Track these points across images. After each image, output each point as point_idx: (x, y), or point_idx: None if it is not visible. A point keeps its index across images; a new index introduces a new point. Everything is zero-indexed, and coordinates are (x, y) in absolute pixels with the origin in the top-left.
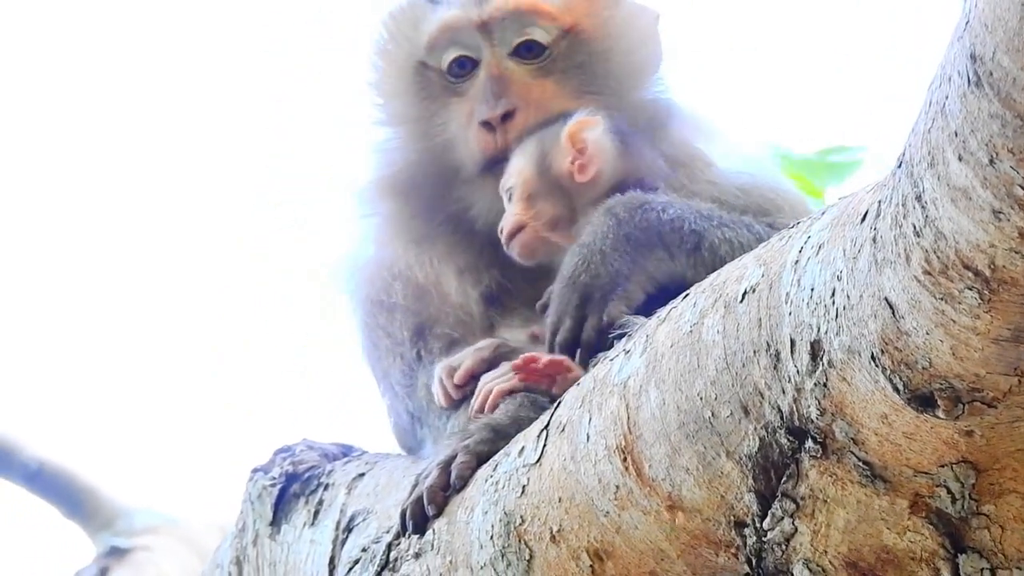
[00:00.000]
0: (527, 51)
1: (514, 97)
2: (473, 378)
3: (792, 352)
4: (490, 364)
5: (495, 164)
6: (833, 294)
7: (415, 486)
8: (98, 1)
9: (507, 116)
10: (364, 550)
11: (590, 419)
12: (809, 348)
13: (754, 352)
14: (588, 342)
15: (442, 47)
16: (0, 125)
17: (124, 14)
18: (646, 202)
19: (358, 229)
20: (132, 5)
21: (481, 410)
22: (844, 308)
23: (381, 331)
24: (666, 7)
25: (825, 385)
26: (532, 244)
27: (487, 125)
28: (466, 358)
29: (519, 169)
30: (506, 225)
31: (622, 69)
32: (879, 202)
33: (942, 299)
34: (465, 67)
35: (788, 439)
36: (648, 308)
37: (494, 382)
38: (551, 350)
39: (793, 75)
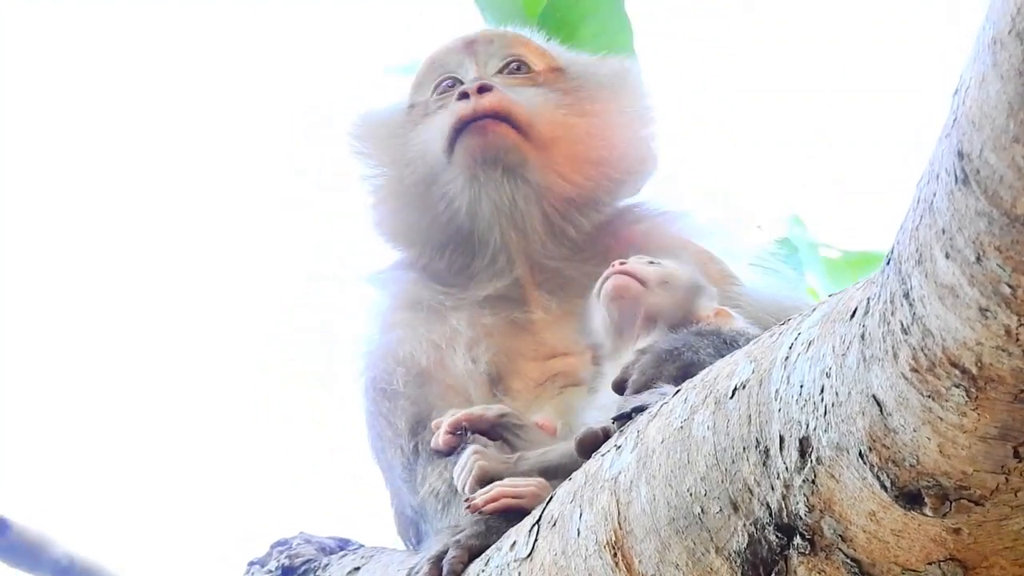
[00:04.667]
0: (515, 69)
1: (495, 87)
2: (461, 432)
3: (781, 449)
4: (490, 427)
5: (464, 127)
6: (822, 391)
7: None
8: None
9: (483, 89)
10: None
11: (581, 514)
12: (798, 445)
13: (744, 448)
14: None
15: (428, 79)
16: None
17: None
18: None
19: (366, 309)
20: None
21: (482, 504)
22: (832, 405)
23: (384, 420)
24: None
25: (814, 482)
26: (626, 284)
27: (463, 96)
28: (474, 410)
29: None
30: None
31: (609, 116)
32: (868, 299)
33: (929, 397)
34: (452, 86)
35: (777, 535)
36: None
37: (509, 489)
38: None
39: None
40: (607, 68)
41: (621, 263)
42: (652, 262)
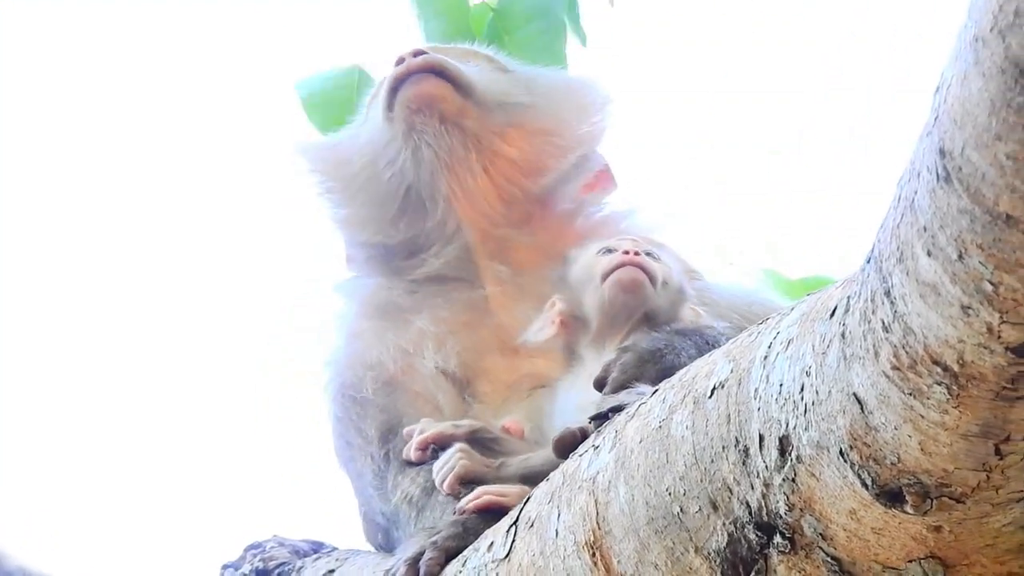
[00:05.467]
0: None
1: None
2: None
3: (761, 447)
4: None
5: (400, 85)
6: (802, 389)
7: None
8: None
9: (418, 54)
10: None
11: (559, 514)
12: (778, 443)
13: (723, 447)
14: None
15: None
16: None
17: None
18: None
19: (331, 316)
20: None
21: (472, 510)
22: (813, 403)
23: (354, 428)
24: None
25: (794, 480)
26: (641, 280)
27: (399, 61)
28: (444, 428)
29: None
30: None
31: (552, 97)
32: (848, 297)
33: (911, 394)
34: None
35: (757, 534)
36: None
37: (490, 494)
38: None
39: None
40: (556, 76)
41: (635, 252)
42: (650, 253)
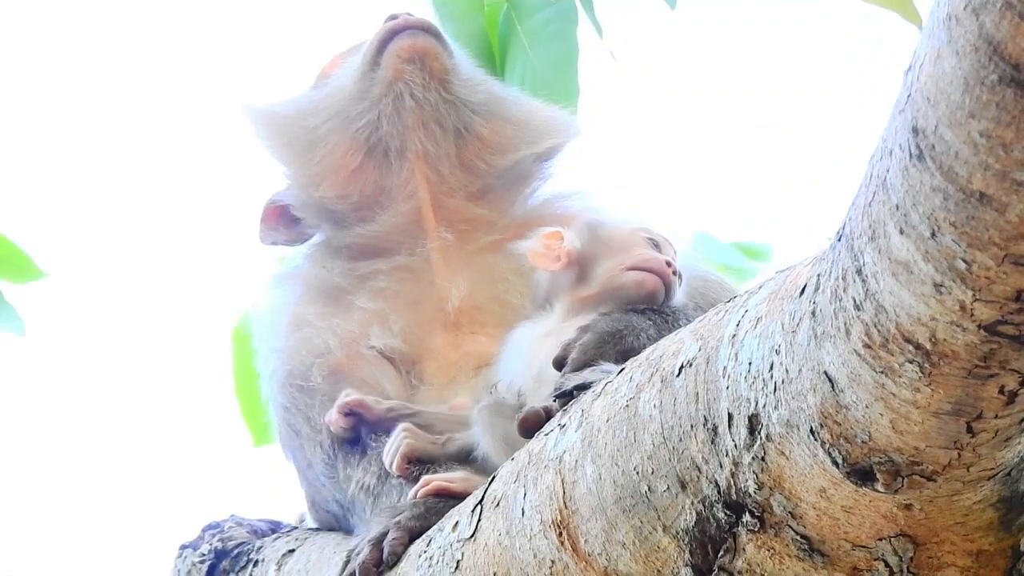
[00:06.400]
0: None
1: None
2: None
3: (730, 426)
4: (377, 419)
5: (392, 37)
6: (771, 368)
7: (347, 563)
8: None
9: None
10: None
11: (525, 494)
12: (747, 422)
13: (691, 426)
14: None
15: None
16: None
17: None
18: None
19: (274, 304)
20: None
21: (421, 496)
22: (782, 382)
23: (302, 416)
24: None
25: (763, 459)
26: (658, 293)
27: (391, 17)
28: (367, 400)
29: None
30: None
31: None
32: (818, 276)
33: (882, 373)
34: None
35: (725, 513)
36: None
37: (436, 480)
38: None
39: (710, 162)
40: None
41: (670, 266)
42: (672, 266)
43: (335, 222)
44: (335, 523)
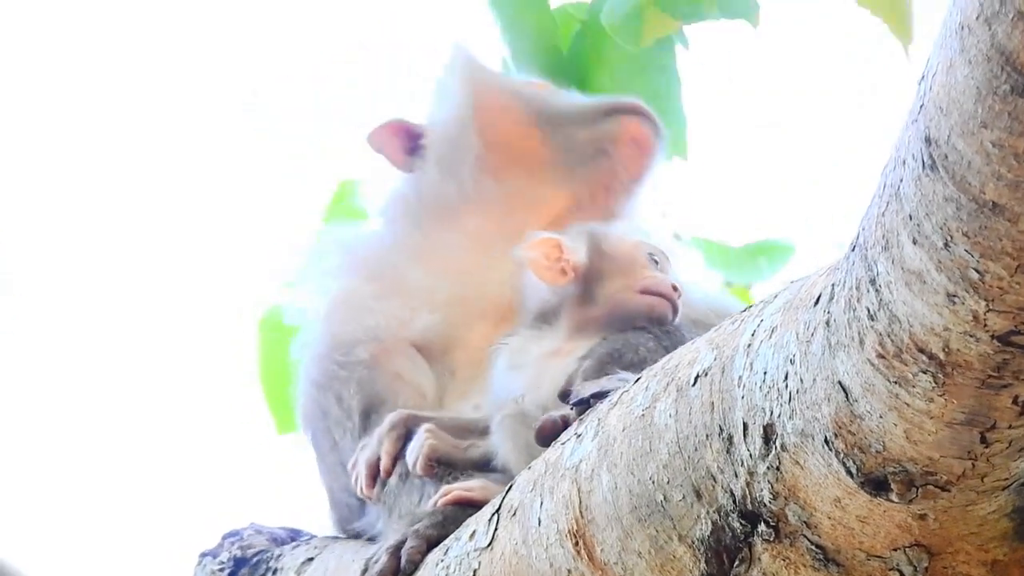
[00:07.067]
0: None
1: None
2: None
3: (745, 436)
4: (406, 438)
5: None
6: (786, 377)
7: (365, 571)
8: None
9: None
10: None
11: (542, 503)
12: (762, 432)
13: (707, 436)
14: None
15: None
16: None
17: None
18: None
19: (326, 268)
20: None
21: (441, 506)
22: (797, 392)
23: (333, 397)
24: None
25: (778, 469)
26: (667, 318)
27: None
28: (383, 441)
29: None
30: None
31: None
32: (832, 285)
33: (896, 383)
34: None
35: (741, 523)
36: None
37: (457, 490)
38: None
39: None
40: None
41: (676, 291)
42: (677, 289)
43: (446, 168)
44: (350, 516)
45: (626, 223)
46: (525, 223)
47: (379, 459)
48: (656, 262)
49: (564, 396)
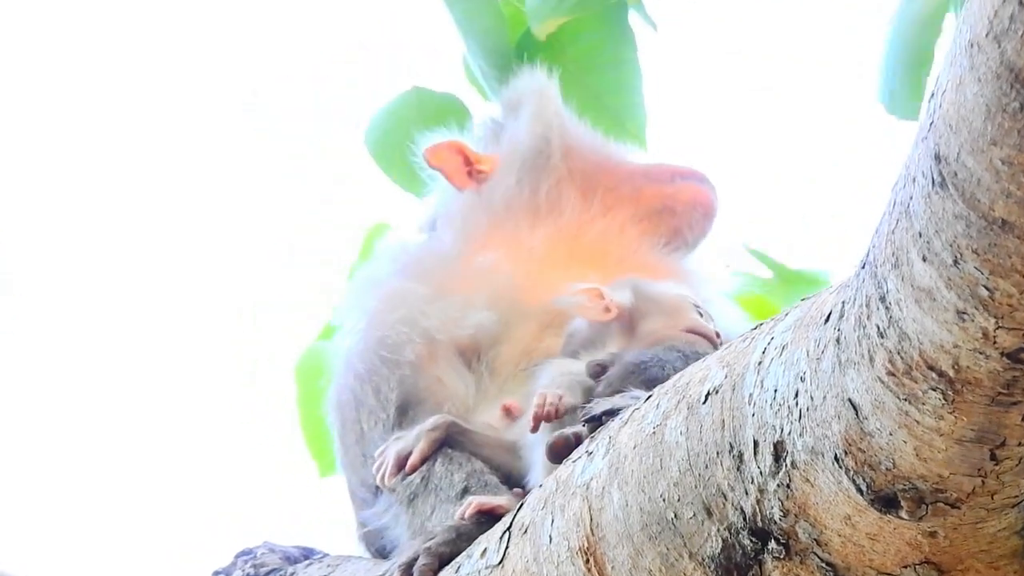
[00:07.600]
0: None
1: None
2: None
3: (755, 453)
4: (441, 443)
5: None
6: (796, 395)
7: None
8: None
9: None
10: None
11: (552, 520)
12: (772, 449)
13: (717, 453)
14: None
15: None
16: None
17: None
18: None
19: (374, 268)
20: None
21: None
22: (807, 409)
23: (371, 389)
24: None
25: (788, 486)
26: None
27: None
28: (421, 438)
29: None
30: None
31: None
32: (843, 303)
33: (906, 400)
34: None
35: (751, 540)
36: None
37: (484, 500)
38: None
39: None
40: None
41: (719, 337)
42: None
43: (526, 183)
44: (362, 507)
45: (672, 280)
46: (593, 250)
47: (410, 453)
48: (700, 314)
49: (593, 373)
